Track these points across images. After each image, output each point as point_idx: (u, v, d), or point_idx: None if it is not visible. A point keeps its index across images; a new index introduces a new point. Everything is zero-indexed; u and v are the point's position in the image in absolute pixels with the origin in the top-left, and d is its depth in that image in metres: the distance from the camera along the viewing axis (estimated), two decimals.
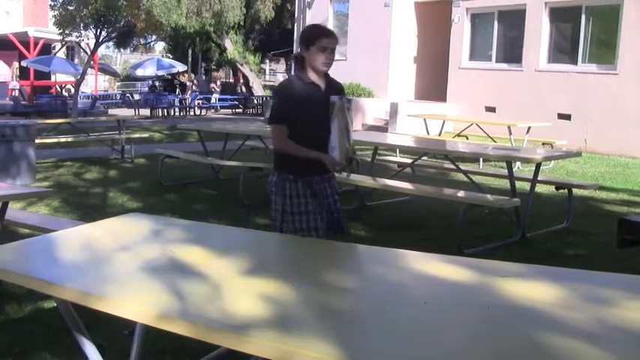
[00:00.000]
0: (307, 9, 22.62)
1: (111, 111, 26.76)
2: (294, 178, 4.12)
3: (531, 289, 2.37)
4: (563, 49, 16.26)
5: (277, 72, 51.01)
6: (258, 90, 31.74)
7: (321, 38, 4.10)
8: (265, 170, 9.50)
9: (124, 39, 30.77)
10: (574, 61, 15.76)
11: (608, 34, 15.41)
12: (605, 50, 15.44)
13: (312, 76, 4.20)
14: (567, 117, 15.47)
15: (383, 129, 17.38)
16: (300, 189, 4.12)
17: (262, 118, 23.99)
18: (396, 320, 2.04)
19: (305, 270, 2.62)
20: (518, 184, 7.50)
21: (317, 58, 4.13)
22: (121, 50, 44.52)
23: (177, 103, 28.18)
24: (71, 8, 22.21)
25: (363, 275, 2.53)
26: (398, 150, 11.53)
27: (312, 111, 4.10)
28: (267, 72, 50.57)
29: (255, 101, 30.56)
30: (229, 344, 1.96)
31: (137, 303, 2.19)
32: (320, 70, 4.18)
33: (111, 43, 32.50)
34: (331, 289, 2.33)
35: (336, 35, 4.23)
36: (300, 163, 4.08)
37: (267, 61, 46.60)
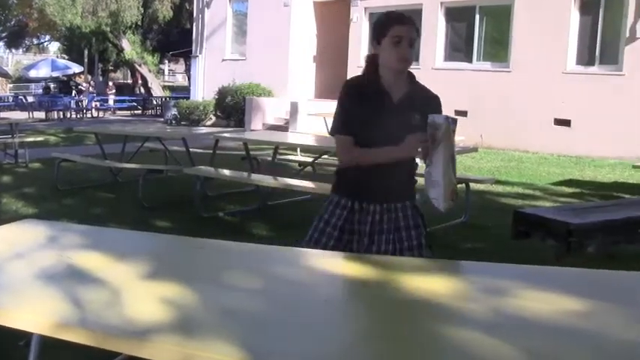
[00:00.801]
0: (206, 8, 22.44)
1: (3, 114, 25.83)
2: (347, 203, 3.27)
3: (431, 283, 2.42)
4: (459, 48, 16.68)
5: (176, 72, 50.54)
6: (157, 91, 31.36)
7: (393, 26, 3.16)
8: (165, 172, 9.39)
9: (15, 39, 29.85)
10: (469, 59, 16.20)
11: (500, 33, 15.89)
12: (498, 48, 15.92)
13: (386, 81, 3.22)
14: (464, 113, 15.85)
15: (284, 128, 17.42)
16: (335, 218, 3.27)
17: (162, 119, 23.69)
18: (297, 319, 2.05)
19: (206, 272, 2.60)
20: (421, 180, 7.62)
21: (390, 52, 3.16)
22: (13, 50, 43.12)
23: (73, 105, 27.51)
24: None
25: (264, 275, 2.52)
26: (299, 149, 11.57)
27: (377, 127, 3.15)
28: (167, 72, 50.04)
29: (155, 102, 30.15)
30: (129, 350, 1.93)
31: (32, 312, 2.12)
32: (395, 69, 3.20)
33: (1, 43, 31.45)
34: (233, 290, 2.31)
35: (413, 21, 3.22)
36: (366, 187, 3.21)
37: (166, 61, 46.14)
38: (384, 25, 3.20)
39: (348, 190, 3.32)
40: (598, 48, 14.39)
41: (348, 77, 16.42)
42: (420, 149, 3.05)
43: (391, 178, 3.21)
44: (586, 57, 14.56)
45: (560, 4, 14.55)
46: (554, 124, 14.56)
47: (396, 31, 3.14)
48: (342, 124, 3.28)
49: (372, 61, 3.27)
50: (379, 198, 3.25)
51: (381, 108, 3.18)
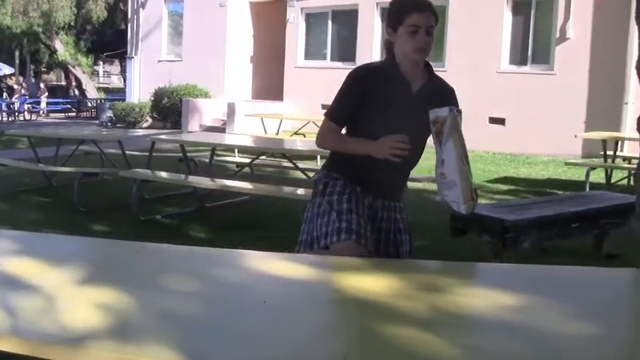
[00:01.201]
0: (141, 9, 22.17)
1: None
2: (354, 187, 3.04)
3: (370, 281, 2.43)
4: None
5: (111, 74, 49.79)
6: (91, 93, 30.88)
7: (410, 14, 2.95)
8: (101, 175, 9.25)
9: None
10: None
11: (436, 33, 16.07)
12: (434, 48, 16.09)
13: (404, 69, 3.03)
14: None
15: (221, 129, 17.31)
16: (352, 192, 3.02)
17: (97, 121, 23.34)
18: (236, 321, 2.03)
19: (143, 276, 2.57)
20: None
21: (406, 42, 2.98)
22: None
23: (4, 107, 26.88)
24: None
25: (202, 278, 2.50)
26: (236, 150, 11.51)
27: (393, 117, 2.97)
28: (101, 74, 49.28)
29: (89, 104, 29.68)
30: (65, 358, 1.89)
31: None
32: (411, 59, 3.01)
33: None
34: (170, 293, 2.29)
35: (432, 8, 3.01)
36: (367, 178, 3.02)
37: (101, 62, 45.49)
38: (399, 12, 3.00)
39: (347, 174, 3.08)
40: (530, 48, 14.69)
41: (286, 77, 16.29)
42: (392, 153, 2.84)
43: (393, 173, 3.07)
44: (519, 57, 14.84)
45: (493, 5, 14.80)
46: (489, 122, 14.79)
47: (412, 19, 2.94)
48: (335, 109, 3.08)
49: (388, 48, 3.08)
50: (378, 192, 3.10)
51: (400, 95, 2.99)
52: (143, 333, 1.94)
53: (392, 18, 3.03)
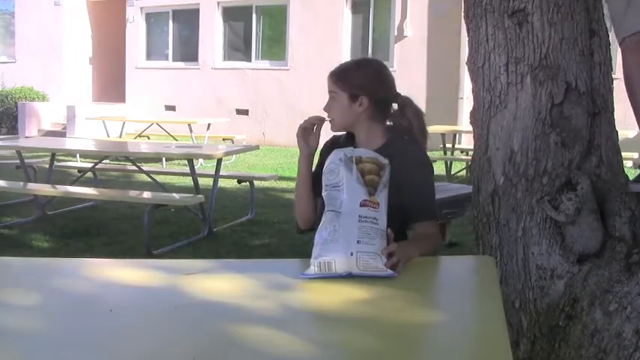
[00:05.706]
0: None
1: None
2: None
3: (218, 283, 2.41)
4: (238, 47, 16.83)
5: None
6: None
7: None
8: None
9: None
10: (248, 58, 16.38)
11: (277, 32, 16.23)
12: (276, 47, 16.24)
13: (359, 134, 2.80)
14: (245, 112, 16.04)
15: (61, 134, 16.73)
16: None
17: None
18: (81, 333, 1.96)
19: None
20: (203, 181, 7.63)
21: None
22: None
23: None
24: None
25: (45, 290, 2.39)
26: (78, 155, 11.16)
27: None
28: None
29: None
30: None
31: None
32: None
33: None
34: (10, 309, 2.18)
35: (337, 71, 2.80)
36: None
37: None
38: None
39: None
40: (370, 46, 15.09)
41: (128, 79, 15.92)
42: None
43: None
44: (360, 54, 15.19)
45: (333, 3, 15.08)
46: None
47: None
48: None
49: None
50: None
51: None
52: None
53: None
